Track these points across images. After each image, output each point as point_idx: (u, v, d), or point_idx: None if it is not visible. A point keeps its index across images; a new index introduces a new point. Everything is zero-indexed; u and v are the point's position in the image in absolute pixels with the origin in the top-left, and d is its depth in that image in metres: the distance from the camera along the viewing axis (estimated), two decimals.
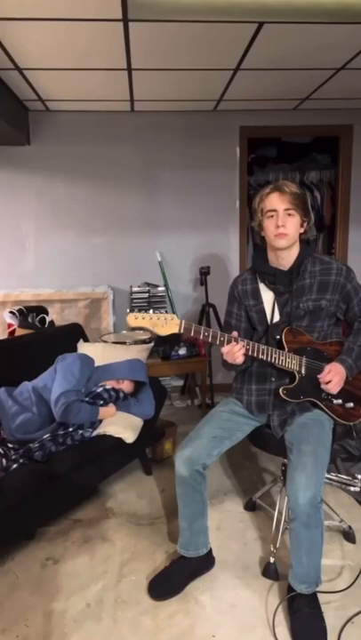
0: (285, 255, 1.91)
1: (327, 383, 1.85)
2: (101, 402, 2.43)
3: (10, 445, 2.21)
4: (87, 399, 2.39)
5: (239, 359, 1.79)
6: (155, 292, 3.82)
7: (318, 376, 1.88)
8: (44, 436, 2.22)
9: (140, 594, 1.89)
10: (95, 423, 2.39)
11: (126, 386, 2.55)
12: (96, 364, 2.55)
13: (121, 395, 2.52)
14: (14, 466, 2.08)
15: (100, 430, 2.38)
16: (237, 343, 1.77)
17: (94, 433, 2.36)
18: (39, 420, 2.28)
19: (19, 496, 1.97)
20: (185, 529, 1.95)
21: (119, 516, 2.41)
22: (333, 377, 1.85)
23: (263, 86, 3.21)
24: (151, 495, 2.59)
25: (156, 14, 2.15)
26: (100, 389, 2.46)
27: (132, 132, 3.77)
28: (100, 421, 2.42)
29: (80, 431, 2.30)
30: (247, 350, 1.79)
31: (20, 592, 1.91)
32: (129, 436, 2.41)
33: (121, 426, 2.41)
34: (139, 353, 2.92)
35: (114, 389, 2.50)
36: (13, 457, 2.12)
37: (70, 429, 2.28)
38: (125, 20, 2.20)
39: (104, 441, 2.35)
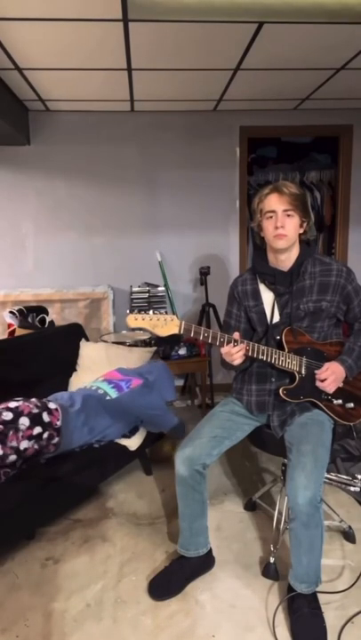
0: (285, 257, 1.91)
1: (323, 381, 1.86)
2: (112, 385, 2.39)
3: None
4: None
5: (238, 360, 1.79)
6: (155, 292, 3.82)
7: (315, 371, 1.88)
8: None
9: (140, 594, 1.89)
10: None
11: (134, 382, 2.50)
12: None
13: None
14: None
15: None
16: (237, 345, 1.77)
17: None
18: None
19: (18, 497, 1.97)
20: (185, 529, 1.95)
21: (119, 515, 2.41)
22: (329, 376, 1.85)
23: (263, 86, 3.21)
24: (151, 495, 2.59)
25: (156, 14, 2.15)
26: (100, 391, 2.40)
27: (132, 132, 3.77)
28: (137, 428, 2.46)
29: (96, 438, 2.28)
30: (247, 351, 1.79)
31: (20, 592, 1.91)
32: (132, 444, 2.42)
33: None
34: (141, 356, 2.90)
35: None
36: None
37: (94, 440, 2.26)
38: (125, 20, 2.20)
39: (106, 445, 2.35)
